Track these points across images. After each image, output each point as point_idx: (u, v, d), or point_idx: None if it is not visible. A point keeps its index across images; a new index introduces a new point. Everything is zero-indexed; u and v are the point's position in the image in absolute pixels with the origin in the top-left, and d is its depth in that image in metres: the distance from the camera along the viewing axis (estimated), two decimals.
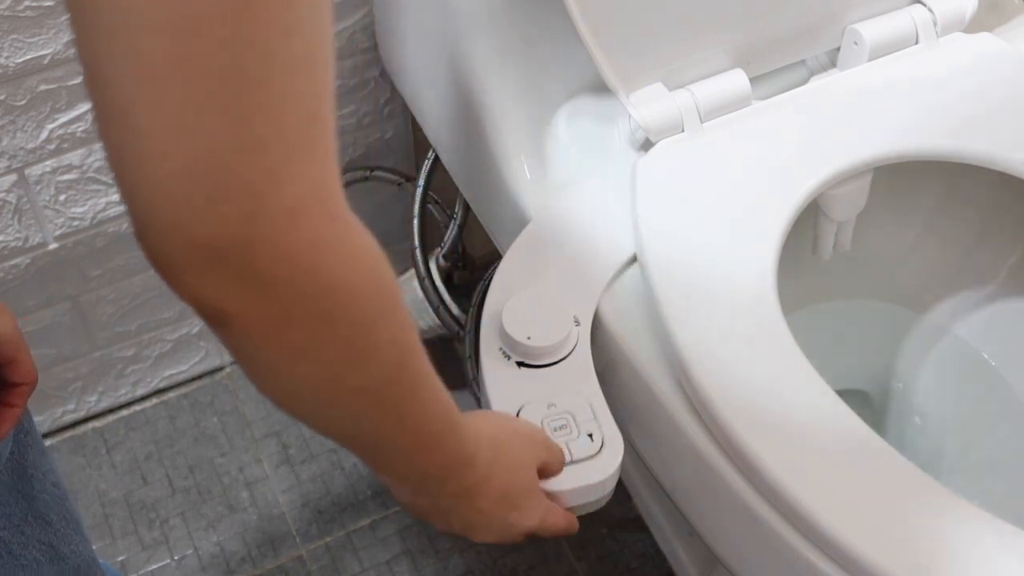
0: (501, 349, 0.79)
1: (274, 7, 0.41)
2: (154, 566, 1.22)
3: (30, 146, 1.07)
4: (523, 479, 0.69)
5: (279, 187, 0.43)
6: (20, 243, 1.13)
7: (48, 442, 1.30)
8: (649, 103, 0.87)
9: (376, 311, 0.50)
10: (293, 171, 0.43)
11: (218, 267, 0.44)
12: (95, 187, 1.12)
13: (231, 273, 0.44)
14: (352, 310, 0.48)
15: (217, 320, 0.47)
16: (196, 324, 1.30)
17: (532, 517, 0.69)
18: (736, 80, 0.89)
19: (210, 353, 1.34)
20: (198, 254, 0.44)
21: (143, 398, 1.34)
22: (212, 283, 0.45)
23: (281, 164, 0.43)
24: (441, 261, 1.25)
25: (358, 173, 1.22)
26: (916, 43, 0.94)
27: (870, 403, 1.07)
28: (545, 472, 0.72)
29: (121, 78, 0.41)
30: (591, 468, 0.73)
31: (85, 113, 1.07)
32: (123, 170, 0.43)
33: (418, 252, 1.19)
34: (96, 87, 0.42)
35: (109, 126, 0.43)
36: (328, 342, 0.49)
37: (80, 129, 1.08)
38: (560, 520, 0.71)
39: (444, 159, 1.07)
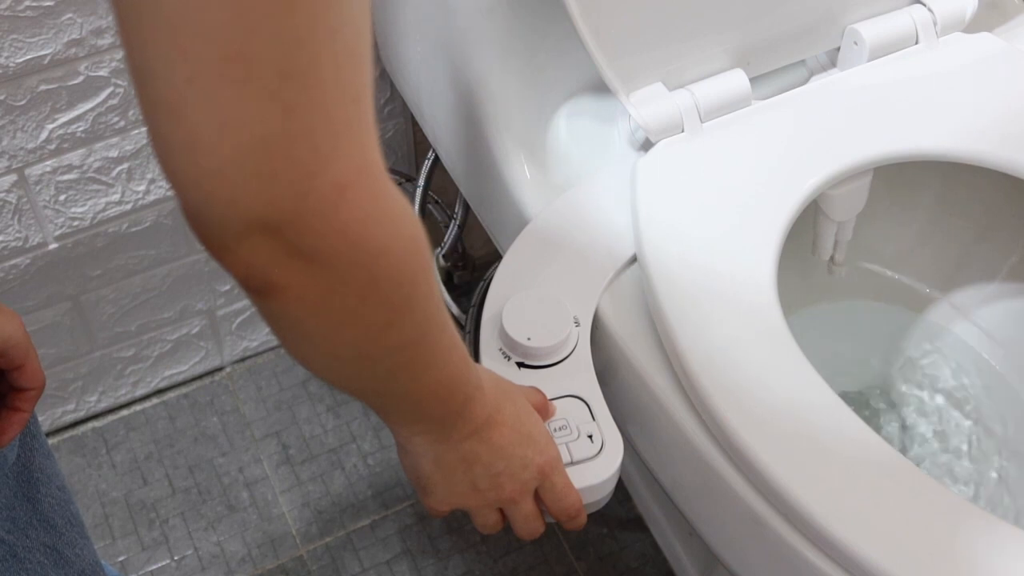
0: (501, 350, 0.79)
1: (319, 2, 0.42)
2: (154, 566, 1.22)
3: (30, 146, 1.07)
4: (525, 406, 0.70)
5: (328, 168, 0.45)
6: (20, 243, 1.13)
7: (48, 442, 1.30)
8: (649, 103, 0.87)
9: (415, 270, 0.52)
10: (341, 152, 0.45)
11: (271, 242, 0.46)
12: (95, 187, 1.12)
13: (284, 247, 0.46)
14: (395, 273, 0.50)
15: (265, 292, 0.48)
16: (196, 324, 1.30)
17: (545, 451, 0.69)
18: (736, 80, 0.89)
19: (210, 353, 1.34)
20: (251, 230, 0.45)
21: (143, 398, 1.34)
22: (264, 257, 0.46)
23: (330, 147, 0.45)
24: (441, 261, 1.25)
25: None
26: (916, 43, 0.94)
27: (870, 403, 1.06)
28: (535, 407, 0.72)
29: (170, 72, 0.42)
30: (591, 469, 0.73)
31: (85, 113, 1.07)
32: (171, 157, 0.44)
33: None
34: (142, 78, 0.43)
35: (156, 115, 0.44)
36: (372, 305, 0.51)
37: (80, 129, 1.07)
38: (569, 483, 0.71)
39: (444, 159, 1.07)
